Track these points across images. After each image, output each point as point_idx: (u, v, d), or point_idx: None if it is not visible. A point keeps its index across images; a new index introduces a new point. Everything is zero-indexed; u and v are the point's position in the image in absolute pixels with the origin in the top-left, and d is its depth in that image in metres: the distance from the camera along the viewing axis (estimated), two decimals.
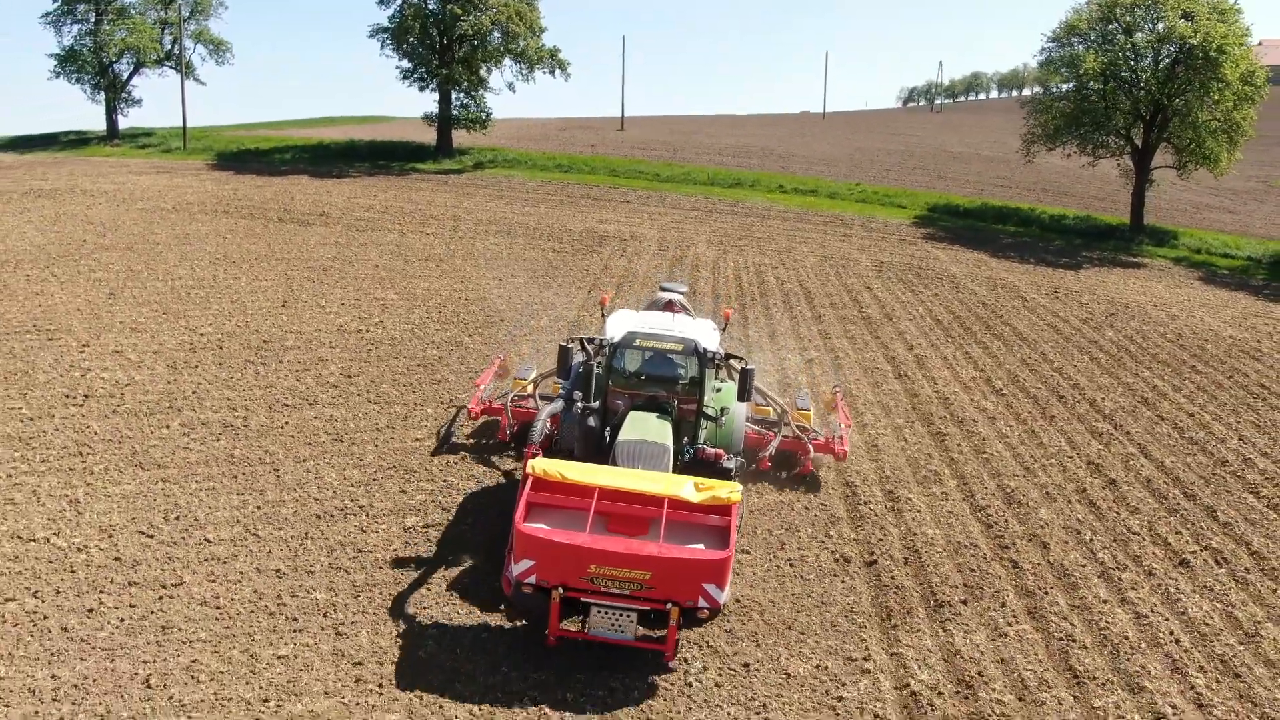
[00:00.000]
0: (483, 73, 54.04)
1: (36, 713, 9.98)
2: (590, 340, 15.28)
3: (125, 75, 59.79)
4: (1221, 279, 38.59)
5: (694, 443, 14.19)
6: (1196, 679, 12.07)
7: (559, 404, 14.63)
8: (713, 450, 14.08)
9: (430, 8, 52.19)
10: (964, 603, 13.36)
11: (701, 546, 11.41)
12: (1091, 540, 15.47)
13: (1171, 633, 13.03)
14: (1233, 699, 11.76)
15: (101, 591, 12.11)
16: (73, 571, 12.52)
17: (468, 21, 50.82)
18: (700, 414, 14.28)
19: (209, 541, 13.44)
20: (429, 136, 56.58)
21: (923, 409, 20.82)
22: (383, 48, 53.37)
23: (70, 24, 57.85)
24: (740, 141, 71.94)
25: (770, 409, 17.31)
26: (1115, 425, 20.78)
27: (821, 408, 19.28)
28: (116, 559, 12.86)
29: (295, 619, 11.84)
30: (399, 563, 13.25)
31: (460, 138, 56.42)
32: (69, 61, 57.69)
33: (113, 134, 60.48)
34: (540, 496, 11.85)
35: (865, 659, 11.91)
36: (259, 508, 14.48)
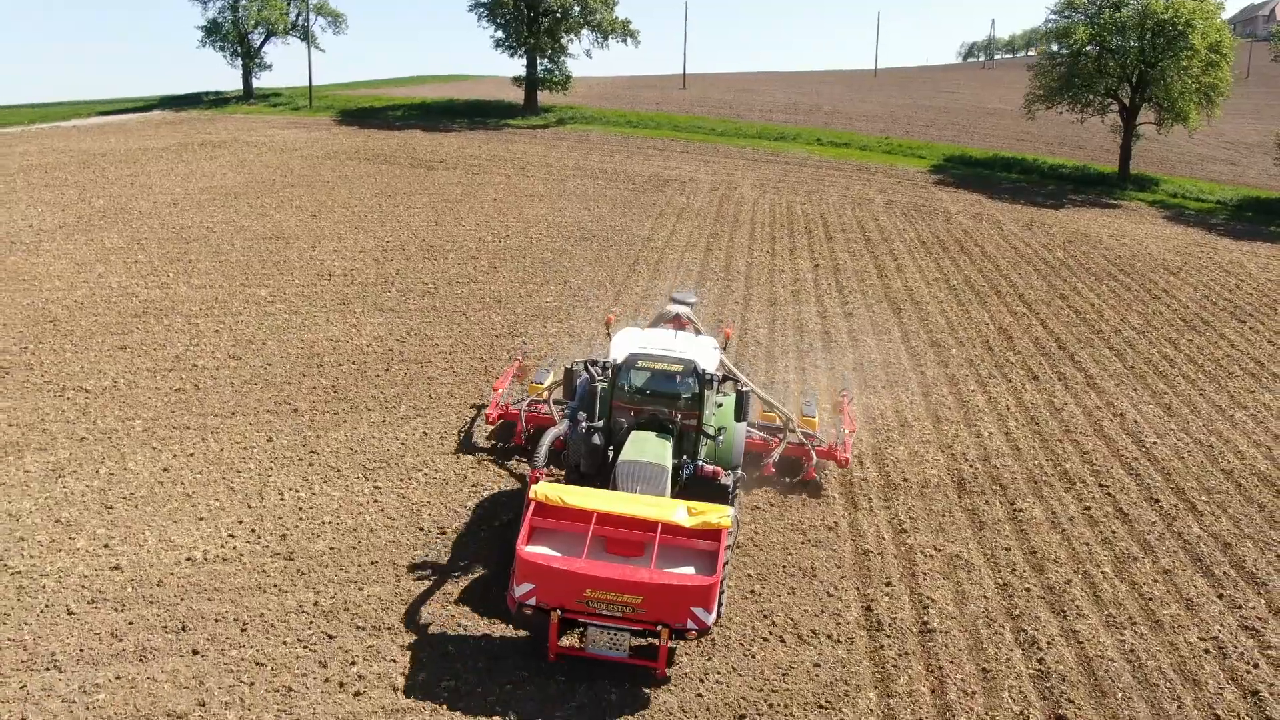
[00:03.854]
0: (564, 41, 63.04)
1: (369, 408, 19.55)
2: (594, 363, 16.07)
3: (258, 43, 69.99)
4: (1186, 218, 45.78)
5: (694, 459, 14.74)
6: (1010, 424, 20.87)
7: (564, 425, 15.29)
8: (710, 468, 14.49)
9: None
10: (883, 387, 22.30)
11: (692, 570, 12.04)
12: (978, 366, 24.21)
13: (1007, 405, 21.81)
14: (1033, 439, 20.39)
15: (388, 365, 21.75)
16: (367, 357, 22.18)
17: None
18: (700, 432, 14.91)
19: (437, 345, 23.03)
20: (512, 93, 65.91)
21: (890, 295, 29.54)
22: (479, 20, 62.69)
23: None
24: (790, 99, 79.80)
25: (776, 415, 18.37)
26: (1030, 308, 29.24)
27: (830, 409, 20.56)
28: (388, 350, 22.53)
29: (492, 383, 21.31)
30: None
31: (543, 97, 65.59)
32: (213, 32, 68.01)
33: (248, 94, 70.91)
34: (542, 521, 12.50)
35: None
36: (460, 331, 24.03)
